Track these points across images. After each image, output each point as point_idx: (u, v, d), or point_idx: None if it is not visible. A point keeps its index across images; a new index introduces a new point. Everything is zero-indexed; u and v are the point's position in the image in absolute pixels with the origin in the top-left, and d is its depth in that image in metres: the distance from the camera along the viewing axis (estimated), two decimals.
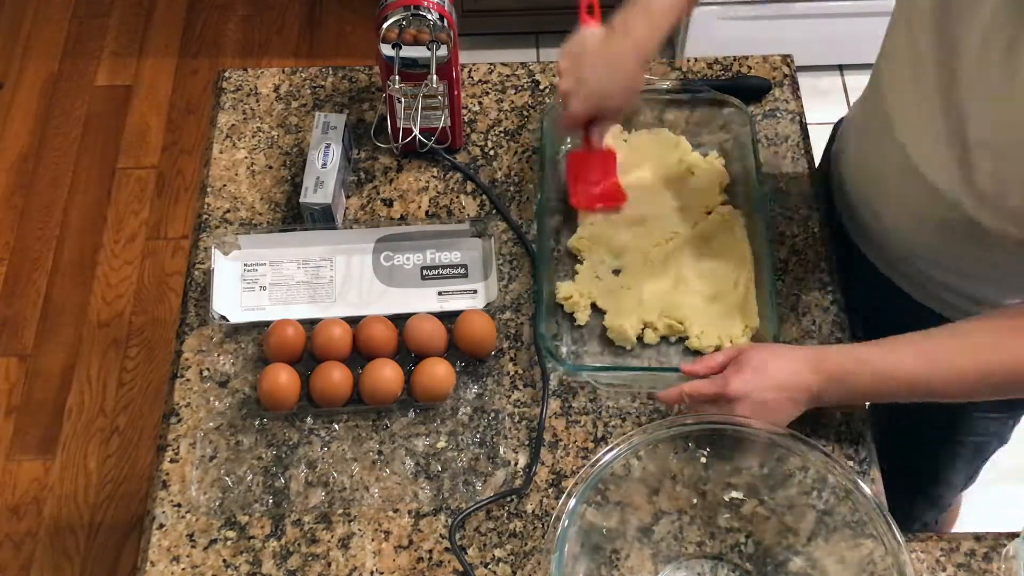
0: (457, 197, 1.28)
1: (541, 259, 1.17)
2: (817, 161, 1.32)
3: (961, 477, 1.40)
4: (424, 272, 1.20)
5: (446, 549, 1.04)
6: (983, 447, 1.33)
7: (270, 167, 1.31)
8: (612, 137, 1.28)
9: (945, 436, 1.30)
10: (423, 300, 1.18)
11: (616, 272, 1.20)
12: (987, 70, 0.89)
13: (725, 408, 0.99)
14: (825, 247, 1.23)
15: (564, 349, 1.14)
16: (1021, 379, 0.94)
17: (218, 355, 1.15)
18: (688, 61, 1.39)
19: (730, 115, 1.28)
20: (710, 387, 1.00)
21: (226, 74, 1.40)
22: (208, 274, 1.19)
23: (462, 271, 1.20)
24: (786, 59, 1.40)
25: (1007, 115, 0.89)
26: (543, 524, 1.05)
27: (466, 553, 1.04)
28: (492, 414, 1.11)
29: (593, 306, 1.17)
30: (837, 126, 1.31)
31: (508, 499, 1.06)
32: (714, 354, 1.04)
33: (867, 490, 0.95)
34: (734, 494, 1.03)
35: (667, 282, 1.18)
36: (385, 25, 1.15)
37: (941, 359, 0.96)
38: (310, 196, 1.19)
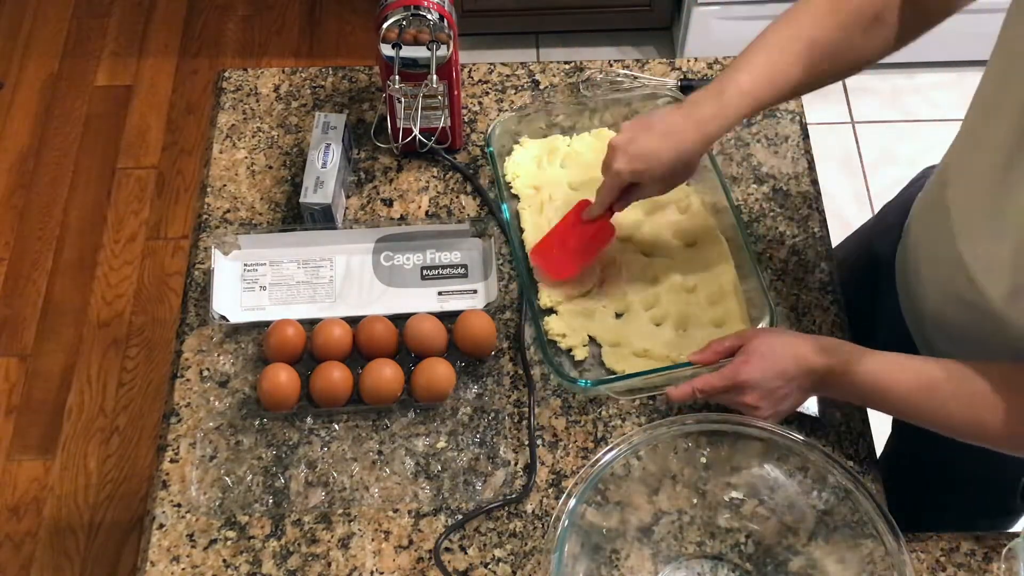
0: (457, 197, 1.28)
1: (527, 283, 1.16)
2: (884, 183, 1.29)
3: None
4: (424, 272, 1.20)
5: (446, 549, 1.04)
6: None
7: (270, 167, 1.31)
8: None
9: (1007, 498, 1.25)
10: (423, 300, 1.18)
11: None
12: None
13: (736, 397, 1.00)
14: (825, 247, 1.23)
15: (572, 370, 1.13)
16: (1008, 442, 0.95)
17: (218, 355, 1.15)
18: (688, 61, 1.39)
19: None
20: (720, 380, 1.01)
21: (226, 74, 1.40)
22: (208, 274, 1.19)
23: (462, 271, 1.20)
24: None
25: None
26: (543, 524, 1.05)
27: (466, 553, 1.04)
28: (492, 414, 1.11)
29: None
30: (923, 173, 1.27)
31: (512, 498, 1.06)
32: (721, 339, 1.04)
33: (867, 490, 0.95)
34: (734, 494, 1.03)
35: (658, 313, 1.17)
36: (385, 25, 1.15)
37: (937, 397, 0.96)
38: (310, 196, 1.19)
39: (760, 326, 1.12)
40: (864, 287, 1.24)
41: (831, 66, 1.05)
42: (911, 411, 0.98)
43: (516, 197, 1.25)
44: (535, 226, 1.22)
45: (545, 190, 1.25)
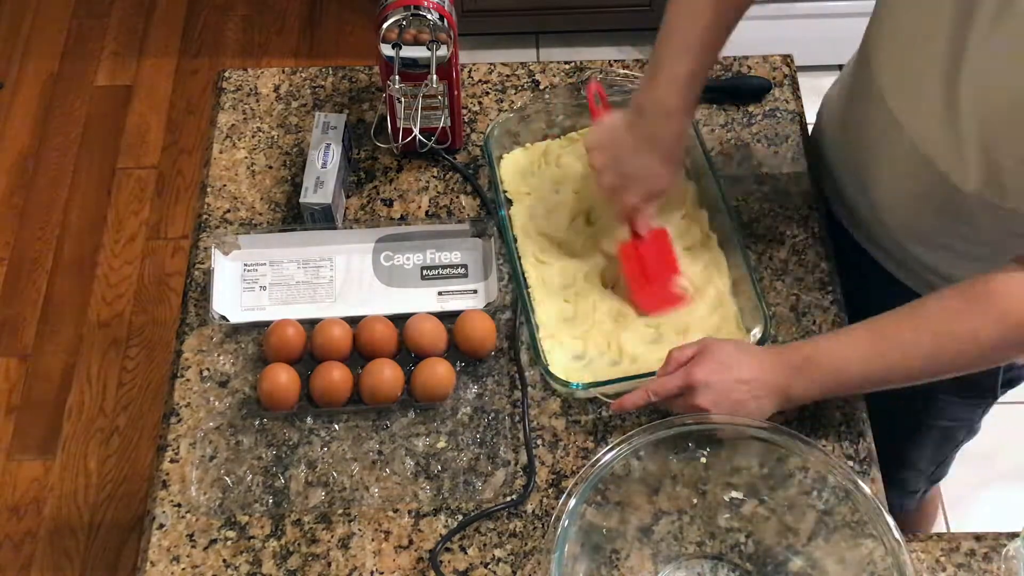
0: (457, 197, 1.28)
1: (521, 285, 1.16)
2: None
3: (927, 462, 1.39)
4: (424, 272, 1.20)
5: (446, 549, 1.04)
6: (951, 433, 1.33)
7: (270, 167, 1.31)
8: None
9: (913, 419, 1.29)
10: (423, 300, 1.18)
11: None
12: (988, 38, 0.89)
13: (689, 399, 1.00)
14: (825, 247, 1.23)
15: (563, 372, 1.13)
16: (970, 354, 0.96)
17: (218, 355, 1.15)
18: None
19: None
20: (674, 380, 1.01)
21: (226, 74, 1.40)
22: (208, 274, 1.19)
23: (462, 271, 1.20)
24: (786, 59, 1.40)
25: (1001, 83, 0.89)
26: (543, 524, 1.05)
27: (466, 553, 1.04)
28: (492, 414, 1.11)
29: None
30: (818, 115, 1.30)
31: (507, 503, 1.06)
32: (682, 348, 1.04)
33: (867, 490, 0.95)
34: (734, 494, 1.03)
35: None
36: (385, 25, 1.15)
37: (897, 339, 0.97)
38: (310, 196, 1.19)
39: (755, 332, 1.12)
40: None
41: (737, 12, 1.09)
42: (877, 372, 0.99)
43: (510, 201, 1.25)
44: (524, 231, 1.21)
45: (536, 195, 1.25)
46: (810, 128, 1.33)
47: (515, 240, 1.21)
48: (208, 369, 1.14)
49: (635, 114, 1.11)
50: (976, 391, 1.24)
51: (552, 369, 1.10)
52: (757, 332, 1.11)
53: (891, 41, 1.06)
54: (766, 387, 0.99)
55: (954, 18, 0.91)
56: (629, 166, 1.10)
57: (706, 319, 1.15)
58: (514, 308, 1.17)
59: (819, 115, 1.28)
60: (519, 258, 1.19)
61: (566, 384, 1.09)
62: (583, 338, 1.14)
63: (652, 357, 1.11)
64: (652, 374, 1.06)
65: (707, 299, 1.16)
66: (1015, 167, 0.94)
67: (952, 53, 0.93)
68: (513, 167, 1.28)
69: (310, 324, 1.13)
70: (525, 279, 1.17)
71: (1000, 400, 1.28)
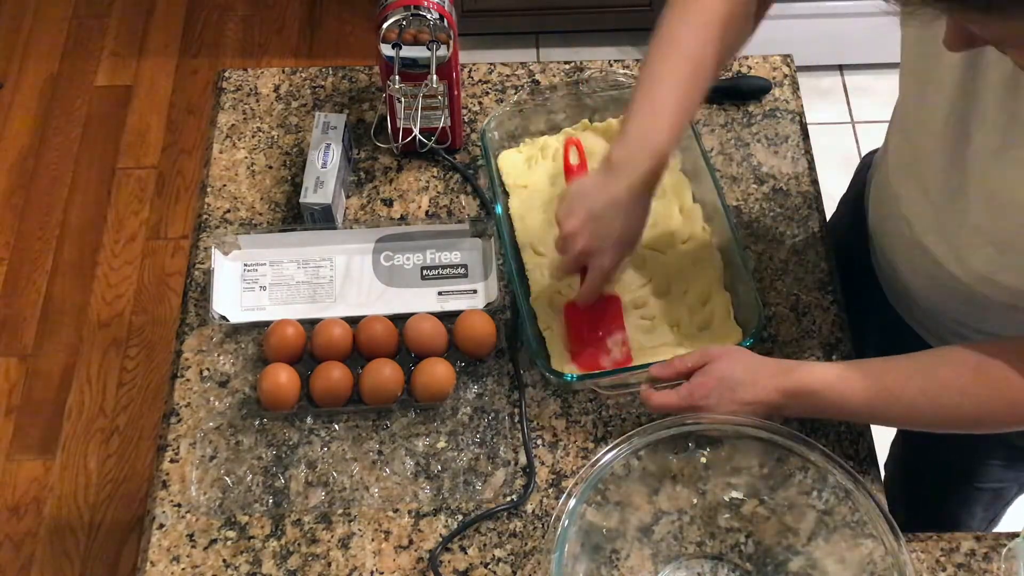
0: (457, 197, 1.28)
1: (517, 280, 1.15)
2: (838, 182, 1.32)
3: (978, 521, 1.37)
4: (424, 272, 1.20)
5: (446, 549, 1.04)
6: (1002, 493, 1.32)
7: (270, 167, 1.31)
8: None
9: (962, 481, 1.29)
10: (423, 300, 1.18)
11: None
12: (988, 157, 0.89)
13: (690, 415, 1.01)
14: (825, 247, 1.23)
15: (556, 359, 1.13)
16: (971, 426, 0.98)
17: (218, 355, 1.15)
18: None
19: None
20: (678, 400, 1.01)
21: (226, 74, 1.40)
22: (208, 274, 1.19)
23: (462, 271, 1.20)
24: (786, 59, 1.40)
25: (1002, 202, 0.89)
26: (543, 524, 1.05)
27: (466, 553, 1.04)
28: (492, 414, 1.11)
29: None
30: (865, 161, 1.30)
31: (506, 505, 1.06)
32: (684, 357, 1.03)
33: (867, 490, 0.95)
34: (734, 494, 1.03)
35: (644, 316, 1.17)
36: (385, 25, 1.15)
37: (902, 398, 0.97)
38: (310, 196, 1.19)
39: (749, 327, 1.12)
40: (845, 283, 1.25)
41: (714, 75, 1.05)
42: (879, 416, 1.00)
43: (508, 194, 1.25)
44: (524, 225, 1.22)
45: (533, 188, 1.25)
46: (814, 127, 1.33)
47: (512, 231, 1.21)
48: (208, 369, 1.14)
49: (606, 172, 1.04)
50: (1021, 456, 1.22)
51: (548, 361, 1.10)
52: (751, 328, 1.11)
53: (898, 137, 1.06)
54: (764, 407, 1.00)
55: (952, 134, 0.92)
56: (604, 228, 1.03)
57: (698, 314, 1.15)
58: (513, 304, 1.17)
59: (871, 169, 1.25)
60: (517, 249, 1.19)
61: (559, 375, 1.09)
62: None
63: (645, 348, 1.12)
64: (646, 366, 1.06)
65: (700, 293, 1.16)
66: (1014, 265, 0.93)
67: (954, 167, 0.93)
68: (510, 161, 1.28)
69: (310, 324, 1.13)
70: (522, 270, 1.17)
71: None
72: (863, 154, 1.35)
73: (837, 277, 1.21)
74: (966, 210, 0.94)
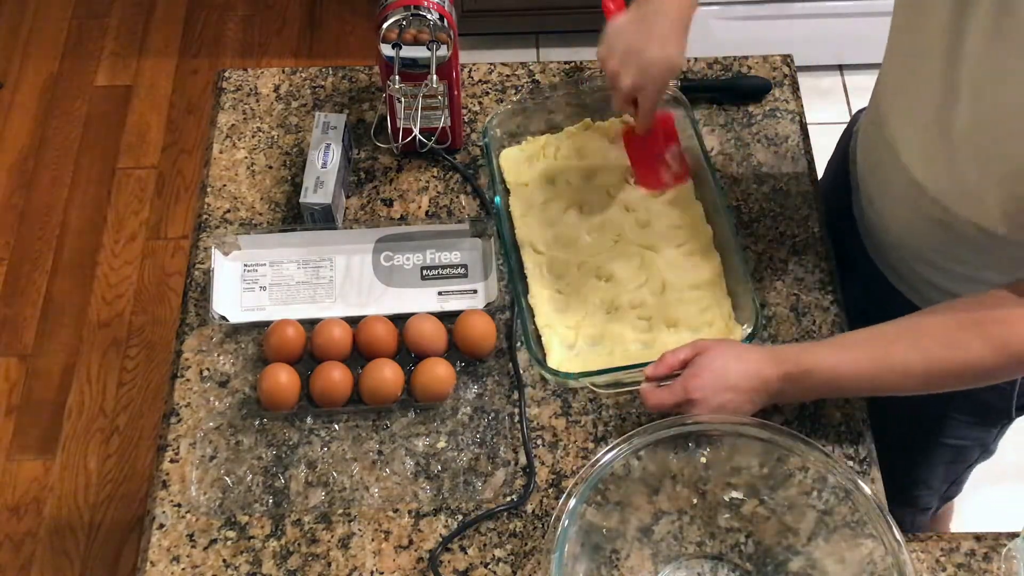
0: (457, 197, 1.28)
1: (515, 275, 1.16)
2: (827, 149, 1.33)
3: (939, 481, 1.38)
4: (424, 272, 1.20)
5: (446, 549, 1.04)
6: (964, 452, 1.33)
7: (270, 167, 1.31)
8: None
9: (925, 437, 1.30)
10: (423, 300, 1.18)
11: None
12: (981, 50, 0.89)
13: (685, 409, 1.01)
14: (825, 247, 1.23)
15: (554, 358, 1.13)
16: (965, 378, 0.98)
17: (218, 355, 1.15)
18: (688, 61, 1.39)
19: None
20: (671, 397, 1.01)
21: (226, 74, 1.40)
22: (208, 274, 1.19)
23: (462, 271, 1.20)
24: (786, 59, 1.40)
25: (992, 106, 0.90)
26: (543, 524, 1.05)
27: (466, 553, 1.04)
28: (492, 414, 1.11)
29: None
30: (855, 119, 1.31)
31: (506, 505, 1.06)
32: (675, 351, 1.03)
33: (867, 490, 0.95)
34: (734, 494, 1.03)
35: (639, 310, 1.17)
36: (385, 25, 1.15)
37: (893, 358, 0.98)
38: (310, 196, 1.19)
39: (744, 327, 1.12)
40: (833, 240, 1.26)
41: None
42: (873, 383, 1.00)
43: (508, 191, 1.26)
44: (524, 223, 1.22)
45: (534, 186, 1.25)
46: (814, 127, 1.33)
47: (512, 228, 1.22)
48: (208, 369, 1.14)
49: (641, 8, 1.14)
50: (991, 414, 1.24)
51: (545, 359, 1.10)
52: (748, 328, 1.11)
53: (891, 64, 1.07)
54: (760, 395, 1.00)
55: (946, 45, 0.92)
56: (643, 60, 1.12)
57: (697, 314, 1.15)
58: (512, 303, 1.17)
59: (856, 126, 1.27)
60: (516, 247, 1.19)
61: (556, 373, 1.09)
62: (575, 328, 1.15)
63: (643, 347, 1.12)
64: (643, 365, 1.06)
65: (698, 293, 1.16)
66: (1008, 195, 0.94)
67: (946, 80, 0.94)
68: (512, 159, 1.28)
69: (310, 324, 1.13)
70: (521, 268, 1.18)
71: None
72: None
73: (837, 277, 1.21)
74: (952, 121, 0.94)
